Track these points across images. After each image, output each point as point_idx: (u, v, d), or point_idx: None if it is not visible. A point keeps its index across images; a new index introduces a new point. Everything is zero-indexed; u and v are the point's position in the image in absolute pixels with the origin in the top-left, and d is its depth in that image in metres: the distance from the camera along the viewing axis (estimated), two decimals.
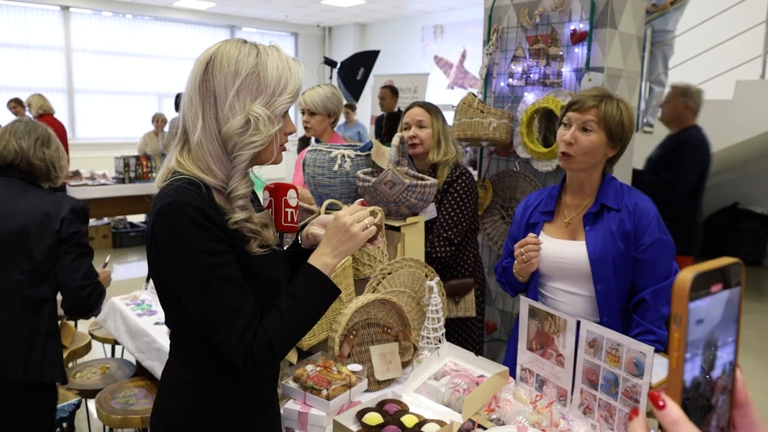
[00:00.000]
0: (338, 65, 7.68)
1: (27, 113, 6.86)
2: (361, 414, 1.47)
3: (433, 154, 2.41)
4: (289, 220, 1.43)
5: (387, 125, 5.61)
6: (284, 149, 1.22)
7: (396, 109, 6.24)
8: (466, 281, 2.40)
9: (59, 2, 9.55)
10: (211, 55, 1.12)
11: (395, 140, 2.13)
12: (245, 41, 1.15)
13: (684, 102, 3.50)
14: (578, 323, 1.60)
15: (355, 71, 7.79)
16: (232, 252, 1.11)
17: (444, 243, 2.33)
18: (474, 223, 2.47)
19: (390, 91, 6.19)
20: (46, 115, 6.01)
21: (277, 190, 1.42)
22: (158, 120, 7.82)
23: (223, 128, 1.10)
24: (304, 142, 5.28)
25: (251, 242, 1.15)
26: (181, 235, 1.06)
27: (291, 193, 1.43)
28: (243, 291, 1.10)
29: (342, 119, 8.60)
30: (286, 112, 1.17)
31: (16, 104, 6.98)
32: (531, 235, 1.82)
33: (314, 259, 1.19)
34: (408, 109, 2.47)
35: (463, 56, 10.26)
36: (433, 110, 2.44)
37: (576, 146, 1.71)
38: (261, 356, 1.08)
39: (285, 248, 1.41)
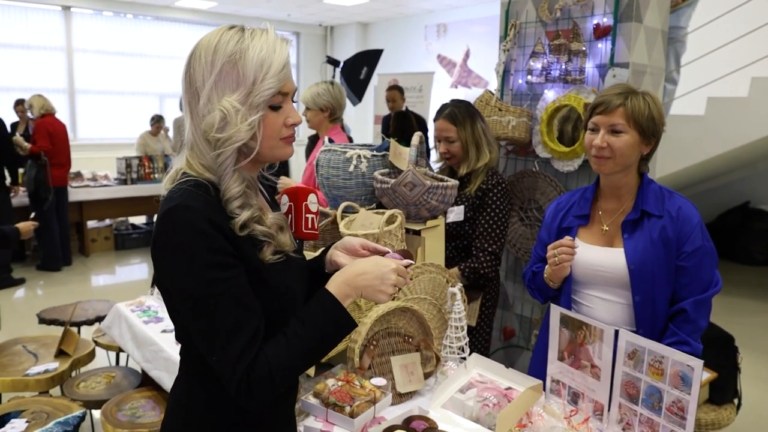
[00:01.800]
0: (341, 64, 7.57)
1: (29, 114, 6.77)
2: None
3: (464, 167, 2.34)
4: (309, 226, 1.36)
5: (395, 125, 5.49)
6: (290, 141, 1.10)
7: (404, 108, 6.14)
8: (473, 292, 2.32)
9: (60, 2, 9.46)
10: (194, 47, 1.04)
11: (415, 140, 2.03)
12: (232, 27, 1.04)
13: None
14: (616, 333, 1.51)
15: (358, 70, 7.68)
16: (239, 265, 1.00)
17: (491, 258, 2.27)
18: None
19: (398, 92, 6.10)
20: (47, 116, 5.91)
21: (297, 195, 1.34)
22: (157, 122, 7.75)
23: (202, 125, 1.02)
24: (313, 141, 5.19)
25: (265, 248, 1.05)
26: (183, 245, 0.96)
27: (311, 197, 1.36)
28: (245, 310, 0.99)
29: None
30: (286, 101, 1.06)
31: (22, 108, 6.90)
32: (567, 237, 1.73)
33: (334, 287, 1.08)
34: (435, 118, 2.40)
35: (467, 55, 10.18)
36: (458, 119, 2.33)
37: (608, 150, 1.62)
38: (258, 384, 0.97)
39: (313, 255, 1.32)
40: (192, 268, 0.97)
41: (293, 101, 1.10)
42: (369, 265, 1.10)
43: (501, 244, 2.29)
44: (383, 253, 1.19)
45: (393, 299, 1.19)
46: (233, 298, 0.98)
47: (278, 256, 1.07)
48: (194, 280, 0.97)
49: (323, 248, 1.30)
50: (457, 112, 2.34)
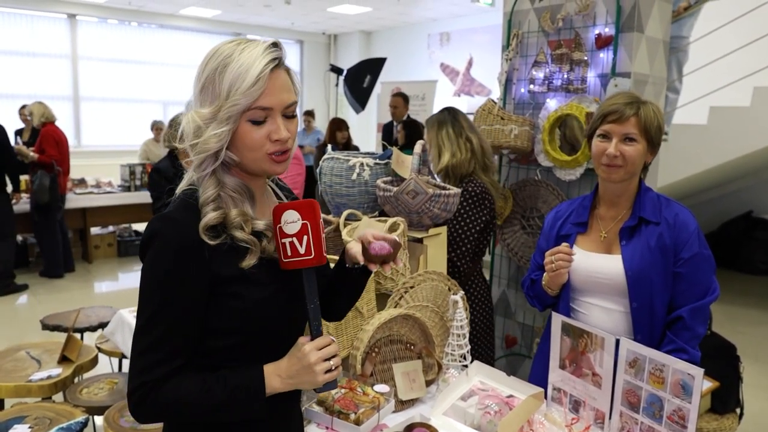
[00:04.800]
0: (344, 73, 7.61)
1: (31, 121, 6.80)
2: None
3: (432, 167, 2.44)
4: (289, 254, 1.06)
5: (405, 133, 5.48)
6: (280, 159, 1.07)
7: (406, 117, 6.15)
8: None
9: (66, 10, 9.55)
10: None
11: (417, 148, 2.05)
12: (232, 40, 1.06)
13: None
14: (617, 341, 1.51)
15: (361, 78, 7.73)
16: (197, 293, 1.03)
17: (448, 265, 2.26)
18: (481, 245, 2.39)
19: (402, 99, 6.11)
20: (50, 124, 5.93)
21: (274, 215, 1.07)
22: (157, 128, 7.79)
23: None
24: (320, 150, 5.21)
25: (248, 256, 1.06)
26: (154, 255, 1.02)
27: (288, 215, 1.05)
28: (173, 335, 1.01)
29: (301, 125, 8.54)
30: (272, 115, 1.04)
31: (26, 113, 6.93)
32: (564, 244, 1.74)
33: (269, 371, 1.06)
34: None
35: (470, 63, 10.22)
36: (427, 123, 2.53)
37: (621, 158, 1.64)
38: (152, 405, 1.00)
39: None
40: (152, 276, 1.02)
41: (288, 116, 1.07)
42: (291, 355, 1.07)
43: (460, 253, 2.29)
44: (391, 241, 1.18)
45: (331, 371, 1.06)
46: (171, 319, 1.01)
47: (253, 261, 1.06)
48: (149, 287, 1.02)
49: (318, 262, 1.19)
50: (431, 117, 2.53)
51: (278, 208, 1.06)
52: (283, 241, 1.05)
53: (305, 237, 1.05)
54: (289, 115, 1.07)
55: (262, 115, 1.03)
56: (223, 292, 1.05)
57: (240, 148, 1.05)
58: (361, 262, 1.17)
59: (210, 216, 1.03)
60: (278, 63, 1.04)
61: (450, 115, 2.48)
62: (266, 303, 1.08)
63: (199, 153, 1.04)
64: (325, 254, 1.07)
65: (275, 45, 1.05)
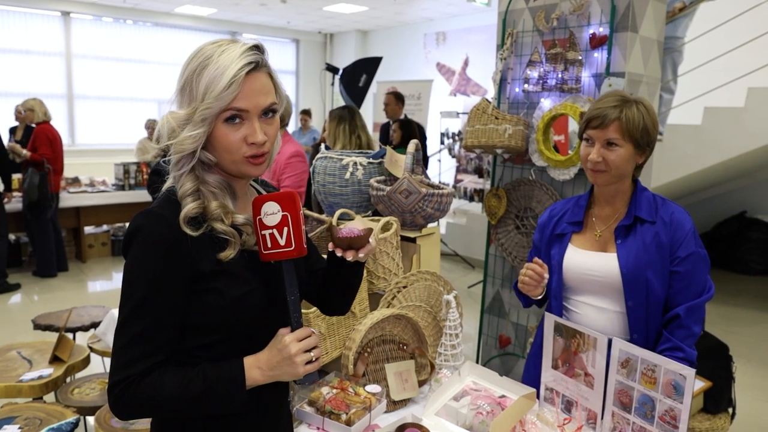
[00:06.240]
0: (340, 72, 7.59)
1: (31, 118, 6.74)
2: None
3: None
4: (269, 245, 1.05)
5: (402, 132, 5.46)
6: (256, 162, 1.06)
7: (402, 116, 6.13)
8: None
9: (60, 8, 9.50)
10: None
11: (411, 147, 2.04)
12: (216, 41, 1.06)
13: None
14: (609, 341, 1.51)
15: (357, 78, 7.70)
16: (178, 290, 1.03)
17: None
18: None
19: (394, 97, 6.08)
20: (46, 122, 5.90)
21: (254, 207, 1.06)
22: (151, 126, 7.77)
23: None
24: (316, 149, 5.20)
25: (228, 248, 1.05)
26: (136, 250, 1.02)
27: (268, 207, 1.04)
28: (157, 330, 1.02)
29: (297, 125, 8.54)
30: (249, 117, 1.04)
31: (21, 110, 6.87)
32: (540, 262, 1.72)
33: (249, 363, 1.05)
34: None
35: (466, 63, 10.22)
36: (331, 114, 3.12)
37: (603, 163, 1.63)
38: (130, 400, 1.00)
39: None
40: (134, 271, 1.02)
41: (266, 117, 1.06)
42: (271, 346, 1.06)
43: None
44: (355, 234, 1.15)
45: (312, 362, 1.05)
46: (154, 315, 1.02)
47: (233, 253, 1.05)
48: (132, 282, 1.02)
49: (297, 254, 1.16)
50: (334, 110, 3.07)
51: (258, 200, 1.05)
52: (263, 232, 1.04)
53: (285, 228, 1.03)
54: (267, 117, 1.07)
55: (237, 116, 1.04)
56: (204, 288, 1.04)
57: (217, 149, 1.06)
58: (329, 248, 1.14)
59: (189, 206, 1.04)
60: (256, 66, 1.04)
61: (349, 114, 3.02)
62: (246, 299, 1.07)
63: (175, 153, 1.06)
64: (305, 246, 1.06)
65: (256, 48, 1.05)
